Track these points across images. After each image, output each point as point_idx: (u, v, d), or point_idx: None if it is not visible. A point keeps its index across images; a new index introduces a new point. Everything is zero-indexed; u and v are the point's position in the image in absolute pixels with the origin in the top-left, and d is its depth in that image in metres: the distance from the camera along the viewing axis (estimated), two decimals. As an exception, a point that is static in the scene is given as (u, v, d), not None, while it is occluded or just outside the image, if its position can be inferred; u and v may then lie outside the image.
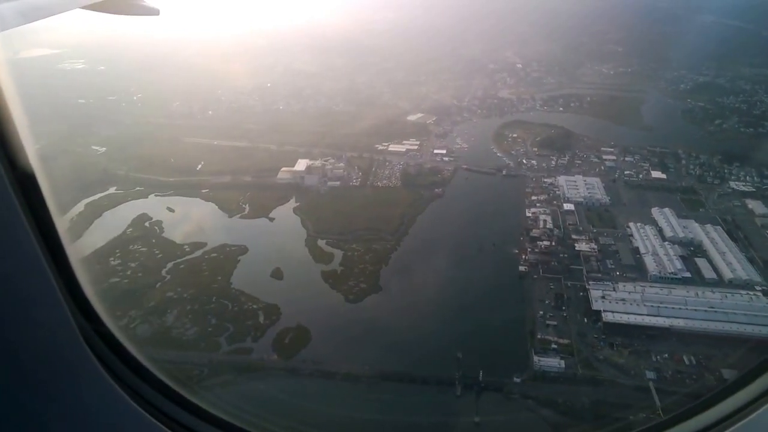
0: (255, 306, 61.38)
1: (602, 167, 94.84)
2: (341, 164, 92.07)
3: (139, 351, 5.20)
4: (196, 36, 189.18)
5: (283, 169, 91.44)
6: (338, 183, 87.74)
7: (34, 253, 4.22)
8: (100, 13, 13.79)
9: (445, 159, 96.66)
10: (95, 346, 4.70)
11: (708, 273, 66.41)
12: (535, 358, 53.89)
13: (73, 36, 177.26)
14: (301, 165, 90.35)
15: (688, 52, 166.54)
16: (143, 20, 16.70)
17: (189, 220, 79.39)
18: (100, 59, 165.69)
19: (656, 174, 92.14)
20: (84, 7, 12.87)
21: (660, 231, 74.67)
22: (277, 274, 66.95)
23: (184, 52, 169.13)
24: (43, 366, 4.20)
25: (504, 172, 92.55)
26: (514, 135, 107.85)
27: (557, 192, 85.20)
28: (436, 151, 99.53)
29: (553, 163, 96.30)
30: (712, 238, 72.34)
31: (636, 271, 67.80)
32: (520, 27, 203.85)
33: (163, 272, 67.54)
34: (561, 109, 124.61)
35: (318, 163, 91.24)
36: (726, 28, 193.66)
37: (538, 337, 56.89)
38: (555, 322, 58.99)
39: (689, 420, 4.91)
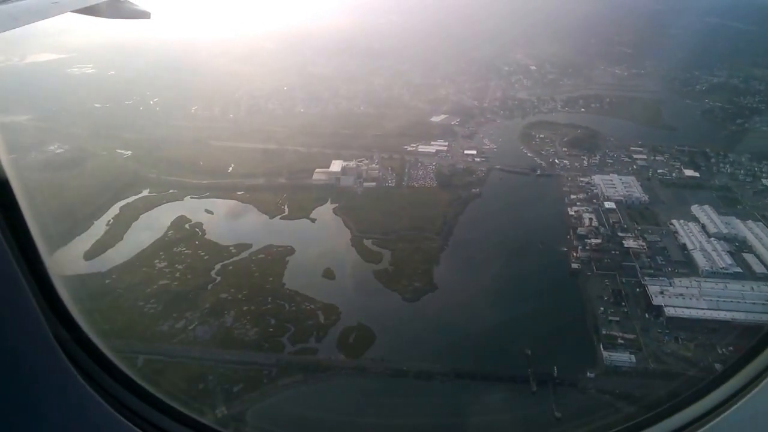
0: (312, 306, 61.05)
1: (634, 166, 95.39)
2: (375, 165, 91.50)
3: (118, 357, 5.25)
4: (200, 40, 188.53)
5: (318, 170, 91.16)
6: (374, 184, 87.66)
7: (7, 260, 4.19)
8: (92, 17, 13.94)
9: (477, 159, 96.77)
10: (72, 352, 4.67)
11: (758, 268, 66.89)
12: (605, 354, 53.99)
13: (75, 41, 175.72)
14: (336, 166, 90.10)
15: (697, 54, 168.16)
16: (135, 23, 16.71)
17: (229, 221, 79.12)
18: (108, 64, 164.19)
19: (689, 172, 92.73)
20: (76, 11, 13.03)
21: (703, 228, 75.12)
22: (328, 274, 66.67)
23: (193, 56, 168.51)
24: (18, 375, 4.12)
25: (538, 172, 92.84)
26: (542, 135, 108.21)
27: (595, 191, 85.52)
28: (466, 152, 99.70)
29: (585, 162, 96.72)
30: (756, 234, 72.94)
31: (686, 267, 68.16)
32: (526, 29, 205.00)
33: (213, 274, 67.05)
34: (582, 109, 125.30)
35: (352, 164, 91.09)
36: (730, 30, 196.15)
37: (603, 332, 56.96)
38: (617, 318, 59.12)
39: (676, 414, 5.02)
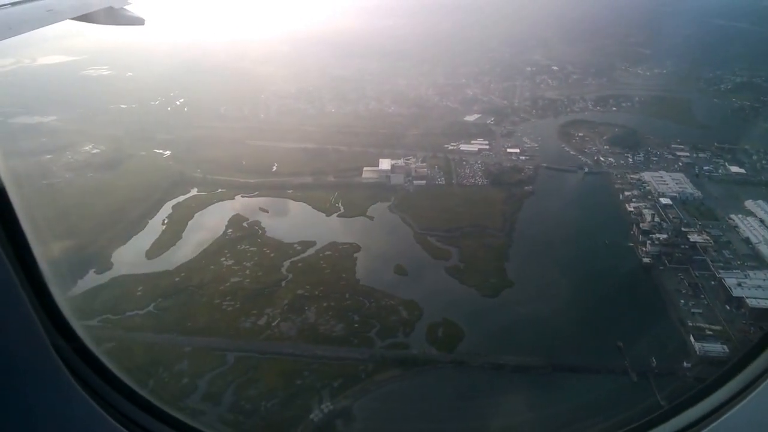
0: (391, 302, 61.29)
1: (679, 163, 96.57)
2: (423, 164, 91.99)
3: (115, 365, 5.24)
4: (211, 42, 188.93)
5: (366, 168, 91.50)
6: (424, 182, 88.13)
7: (4, 269, 4.17)
8: (89, 24, 14.48)
9: (522, 158, 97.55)
10: (70, 361, 4.69)
11: (822, 259, 67.66)
12: (696, 345, 54.50)
13: (78, 44, 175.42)
14: (385, 164, 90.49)
15: (713, 54, 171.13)
16: (130, 30, 17.35)
17: (287, 219, 79.18)
18: (123, 66, 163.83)
19: (735, 169, 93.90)
20: (74, 18, 13.62)
21: (762, 222, 75.91)
22: (400, 271, 66.96)
23: (209, 58, 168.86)
24: (16, 383, 4.13)
25: (586, 170, 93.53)
26: (580, 134, 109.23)
27: (647, 188, 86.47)
28: (509, 150, 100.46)
29: (630, 160, 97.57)
30: (814, 227, 73.84)
31: (754, 259, 69.14)
32: (539, 31, 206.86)
33: (283, 271, 66.98)
34: (614, 108, 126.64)
35: (401, 162, 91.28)
36: (738, 31, 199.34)
37: (689, 324, 57.45)
38: (699, 310, 59.83)
39: (676, 416, 5.11)
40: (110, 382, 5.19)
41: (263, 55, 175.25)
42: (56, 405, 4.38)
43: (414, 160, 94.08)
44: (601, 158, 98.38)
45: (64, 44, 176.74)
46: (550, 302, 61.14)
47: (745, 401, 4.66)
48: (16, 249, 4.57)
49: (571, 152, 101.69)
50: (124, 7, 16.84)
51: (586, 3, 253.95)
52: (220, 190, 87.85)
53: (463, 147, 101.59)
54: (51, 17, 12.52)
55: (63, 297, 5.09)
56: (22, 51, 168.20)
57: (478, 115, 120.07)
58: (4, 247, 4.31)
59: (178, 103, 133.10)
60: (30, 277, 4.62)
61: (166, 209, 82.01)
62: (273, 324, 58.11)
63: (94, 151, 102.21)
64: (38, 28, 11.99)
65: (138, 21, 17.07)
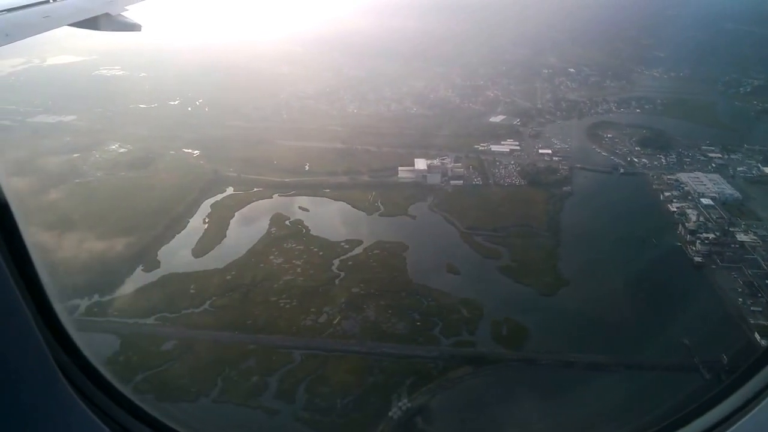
0: (450, 300, 61.41)
1: (713, 165, 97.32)
2: (459, 163, 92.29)
3: (116, 379, 5.26)
4: (220, 44, 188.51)
5: (401, 168, 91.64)
6: (461, 182, 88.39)
7: (6, 283, 4.16)
8: (85, 30, 14.82)
9: (555, 158, 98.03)
10: (72, 375, 4.70)
11: None
12: (762, 342, 54.78)
13: (83, 45, 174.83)
14: (421, 164, 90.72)
15: (728, 58, 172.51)
16: (126, 36, 17.81)
17: (329, 218, 79.14)
18: (134, 66, 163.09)
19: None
20: (71, 24, 13.87)
21: (804, 221, 76.62)
22: (452, 269, 67.13)
23: (222, 59, 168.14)
24: (17, 398, 4.08)
25: (621, 171, 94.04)
26: (609, 135, 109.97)
27: (685, 188, 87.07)
28: (541, 151, 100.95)
29: (663, 161, 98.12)
30: None
31: (803, 259, 69.30)
32: (551, 34, 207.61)
33: (334, 269, 66.92)
34: (638, 110, 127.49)
35: (437, 162, 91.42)
36: (748, 35, 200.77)
37: (751, 321, 57.85)
38: (759, 308, 60.13)
39: (688, 424, 5.13)
40: (113, 397, 5.14)
41: (275, 55, 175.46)
42: (58, 420, 4.32)
43: (449, 160, 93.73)
44: (634, 159, 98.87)
45: (70, 44, 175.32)
46: (608, 301, 61.37)
47: (759, 407, 4.65)
48: (17, 261, 4.44)
49: (603, 153, 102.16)
50: (121, 13, 17.10)
51: (594, 6, 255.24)
52: (256, 189, 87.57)
53: (494, 147, 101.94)
54: (48, 23, 12.69)
55: (65, 311, 5.00)
56: (31, 51, 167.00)
57: (503, 116, 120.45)
58: (5, 260, 4.20)
59: (197, 103, 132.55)
60: (32, 290, 4.53)
61: (205, 208, 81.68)
62: (334, 322, 57.95)
63: (121, 150, 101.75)
64: (35, 34, 12.15)
65: (135, 27, 17.24)
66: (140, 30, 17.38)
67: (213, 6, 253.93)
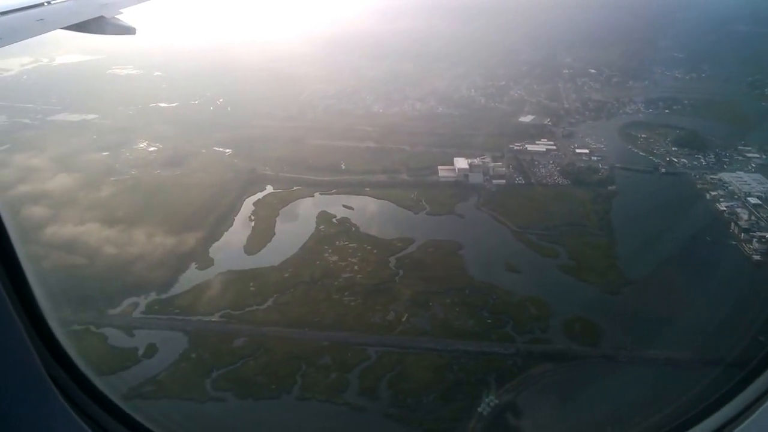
0: (515, 298, 61.73)
1: (752, 164, 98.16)
2: (500, 162, 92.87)
3: (107, 385, 5.36)
4: (229, 44, 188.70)
5: (441, 167, 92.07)
6: (504, 181, 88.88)
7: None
8: (80, 33, 15.35)
9: (593, 158, 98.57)
10: (65, 387, 4.79)
11: None
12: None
13: (88, 44, 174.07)
14: (461, 163, 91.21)
15: (746, 59, 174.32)
16: (121, 39, 18.43)
17: (375, 216, 79.46)
18: (149, 65, 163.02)
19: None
20: (65, 28, 14.33)
21: None
22: (512, 268, 67.52)
23: (234, 59, 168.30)
24: (9, 410, 4.11)
25: (663, 170, 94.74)
26: (643, 135, 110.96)
27: (729, 188, 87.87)
28: (578, 151, 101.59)
29: (702, 161, 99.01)
30: None
31: None
32: (564, 35, 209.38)
33: (392, 267, 67.13)
34: (666, 111, 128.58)
35: (478, 161, 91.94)
36: (763, 37, 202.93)
37: (823, 319, 58.32)
38: (828, 306, 60.57)
39: (694, 426, 5.28)
40: (104, 405, 5.22)
41: (287, 56, 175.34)
42: (48, 428, 4.34)
43: (489, 159, 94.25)
44: (673, 159, 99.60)
45: (77, 44, 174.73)
46: (674, 298, 61.77)
47: (761, 408, 4.72)
48: (8, 270, 4.54)
49: (640, 153, 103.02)
50: (116, 16, 17.33)
51: (605, 8, 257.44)
52: (295, 187, 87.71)
53: (530, 147, 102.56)
54: (42, 27, 12.85)
55: (57, 323, 5.14)
56: (33, 51, 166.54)
57: (533, 116, 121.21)
58: None
59: (218, 102, 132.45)
60: (22, 299, 4.61)
61: (247, 206, 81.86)
62: (403, 319, 58.03)
63: (151, 149, 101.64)
64: (29, 37, 12.32)
65: (129, 30, 17.47)
66: (135, 33, 17.60)
67: (209, 9, 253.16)
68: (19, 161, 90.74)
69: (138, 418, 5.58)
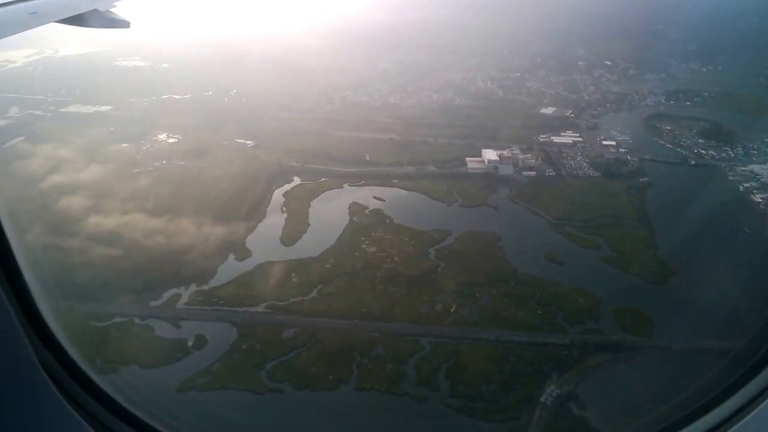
0: (561, 289, 62.24)
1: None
2: (528, 154, 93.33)
3: (101, 377, 5.39)
4: (236, 38, 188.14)
5: (470, 159, 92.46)
6: (534, 173, 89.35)
7: None
8: (73, 27, 15.54)
9: (621, 150, 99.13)
10: (57, 376, 4.82)
11: None
12: None
13: (92, 36, 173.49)
14: (490, 155, 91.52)
15: (759, 50, 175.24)
16: (113, 32, 18.84)
17: (407, 208, 79.74)
18: (155, 57, 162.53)
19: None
20: (58, 21, 14.52)
21: None
22: (554, 259, 67.91)
23: (244, 51, 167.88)
24: (4, 402, 4.16)
25: (692, 162, 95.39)
26: (668, 127, 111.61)
27: (762, 179, 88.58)
28: (605, 143, 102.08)
29: (731, 153, 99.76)
30: None
31: None
32: (574, 27, 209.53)
33: (432, 258, 67.48)
34: (688, 103, 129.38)
35: (507, 152, 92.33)
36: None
37: None
38: None
39: (689, 425, 5.35)
40: (98, 397, 5.21)
41: (296, 48, 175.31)
42: (43, 421, 4.35)
43: (518, 151, 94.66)
44: (701, 151, 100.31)
45: (78, 36, 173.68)
46: (722, 289, 62.22)
47: (759, 407, 4.79)
48: (4, 268, 4.55)
49: (667, 145, 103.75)
50: (110, 9, 17.49)
51: (613, 0, 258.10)
52: (323, 179, 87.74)
53: (556, 139, 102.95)
54: (35, 20, 12.89)
55: (49, 309, 5.15)
56: (38, 42, 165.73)
57: (554, 108, 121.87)
58: None
59: (232, 93, 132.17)
60: (16, 290, 4.61)
61: (277, 197, 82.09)
62: (451, 310, 58.30)
63: (171, 140, 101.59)
64: (22, 31, 12.41)
65: (123, 24, 17.60)
66: (128, 27, 17.74)
67: (202, 3, 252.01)
68: (40, 153, 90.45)
69: (136, 413, 5.62)
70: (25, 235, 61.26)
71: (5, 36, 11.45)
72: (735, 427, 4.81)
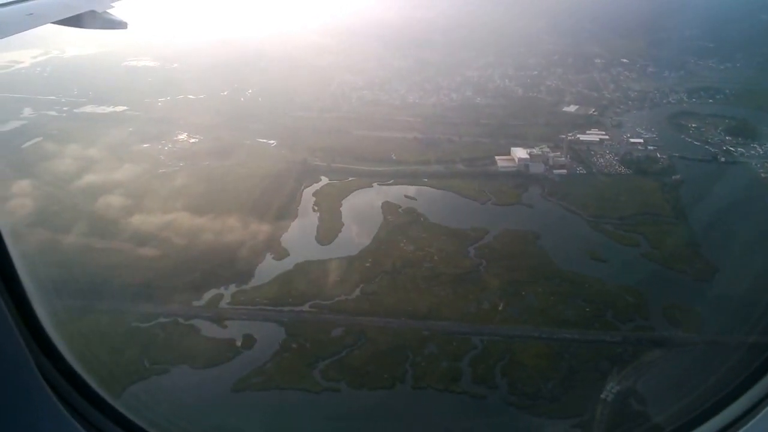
0: (607, 287, 62.61)
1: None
2: (558, 152, 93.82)
3: (100, 386, 5.40)
4: (245, 38, 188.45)
5: (499, 157, 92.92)
6: (565, 171, 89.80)
7: None
8: (70, 28, 15.81)
9: (650, 147, 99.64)
10: (54, 382, 4.82)
11: None
12: None
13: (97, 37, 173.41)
14: (520, 153, 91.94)
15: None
16: (112, 34, 19.21)
17: (441, 207, 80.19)
18: (164, 57, 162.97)
19: None
20: (55, 22, 14.75)
21: None
22: (596, 257, 68.30)
23: (253, 51, 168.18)
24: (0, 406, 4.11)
25: (723, 159, 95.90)
26: (693, 125, 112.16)
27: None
28: (632, 140, 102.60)
29: (759, 150, 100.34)
30: None
31: None
32: (586, 24, 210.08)
33: (473, 256, 67.80)
34: (710, 101, 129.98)
35: (537, 151, 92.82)
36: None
37: None
38: None
39: (704, 423, 5.42)
40: (95, 403, 5.25)
41: (308, 47, 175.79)
42: (37, 423, 4.36)
43: (548, 149, 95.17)
44: (730, 148, 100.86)
45: (81, 36, 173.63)
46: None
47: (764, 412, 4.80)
48: (1, 273, 4.54)
49: (695, 143, 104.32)
50: (107, 10, 17.63)
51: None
52: (351, 178, 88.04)
53: (583, 137, 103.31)
54: (31, 21, 13.00)
55: (47, 315, 5.14)
56: (41, 42, 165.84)
57: (576, 106, 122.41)
58: None
59: (248, 93, 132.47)
60: (13, 295, 4.62)
61: (307, 196, 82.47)
62: (499, 308, 58.57)
63: (192, 140, 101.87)
64: (18, 32, 12.54)
65: (120, 25, 17.79)
66: (126, 28, 17.93)
67: (201, 4, 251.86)
68: (62, 153, 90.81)
69: (131, 417, 5.61)
70: (60, 236, 61.64)
71: (2, 37, 11.61)
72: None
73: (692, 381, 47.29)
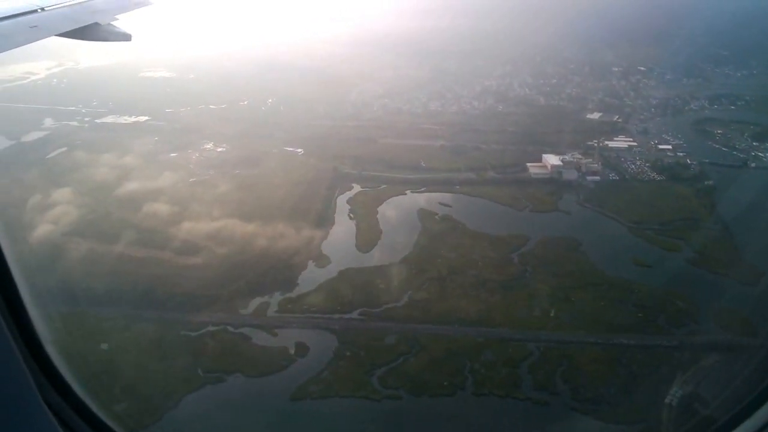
0: (656, 292, 62.81)
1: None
2: (590, 159, 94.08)
3: (100, 406, 5.41)
4: (255, 47, 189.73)
5: (531, 164, 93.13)
6: (598, 177, 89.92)
7: None
8: (74, 40, 16.16)
9: (679, 153, 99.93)
10: (63, 415, 4.87)
11: None
12: None
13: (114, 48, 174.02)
14: (552, 160, 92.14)
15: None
16: (116, 46, 19.49)
17: (477, 214, 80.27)
18: (180, 68, 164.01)
19: None
20: (59, 35, 15.02)
21: None
22: (640, 262, 68.35)
23: (269, 60, 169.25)
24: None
25: (753, 165, 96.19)
26: (719, 131, 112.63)
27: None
28: (660, 147, 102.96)
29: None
30: None
31: None
32: (600, 33, 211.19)
33: (516, 263, 67.81)
34: (732, 107, 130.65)
35: (569, 157, 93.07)
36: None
37: None
38: None
39: None
40: (93, 424, 5.22)
41: (324, 56, 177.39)
42: None
43: (580, 156, 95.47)
44: (759, 154, 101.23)
45: (88, 49, 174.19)
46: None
47: None
48: (8, 301, 4.56)
49: (723, 149, 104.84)
50: (111, 23, 17.87)
51: (635, 5, 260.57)
52: (383, 186, 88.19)
53: (611, 144, 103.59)
54: (36, 34, 13.23)
55: (55, 349, 5.17)
56: (54, 54, 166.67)
57: (600, 113, 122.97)
58: None
59: (269, 102, 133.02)
60: (20, 326, 4.64)
61: (342, 204, 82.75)
62: (551, 314, 58.56)
63: (219, 149, 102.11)
64: (23, 45, 12.76)
65: (125, 37, 18.01)
66: (130, 40, 18.14)
67: (205, 16, 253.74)
68: (89, 163, 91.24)
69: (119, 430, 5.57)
70: (104, 245, 61.77)
71: (7, 49, 11.81)
72: None
73: (753, 384, 47.05)
